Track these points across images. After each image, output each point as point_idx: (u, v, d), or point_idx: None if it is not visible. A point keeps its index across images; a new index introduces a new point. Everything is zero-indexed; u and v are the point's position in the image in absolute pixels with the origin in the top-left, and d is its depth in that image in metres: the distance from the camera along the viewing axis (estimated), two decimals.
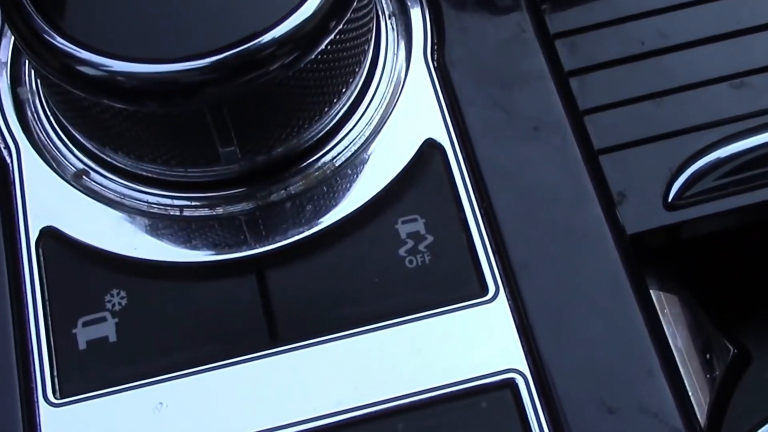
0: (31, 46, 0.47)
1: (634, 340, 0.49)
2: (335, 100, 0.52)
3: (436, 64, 0.55)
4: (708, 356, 0.55)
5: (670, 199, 0.53)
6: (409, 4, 0.57)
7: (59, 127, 0.55)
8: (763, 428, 0.54)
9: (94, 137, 0.53)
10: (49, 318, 0.51)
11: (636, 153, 0.54)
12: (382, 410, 0.48)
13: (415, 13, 0.56)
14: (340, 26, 0.48)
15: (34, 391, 0.49)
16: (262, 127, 0.51)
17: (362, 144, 0.54)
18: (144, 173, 0.53)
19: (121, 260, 0.52)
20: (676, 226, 0.53)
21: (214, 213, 0.53)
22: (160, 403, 0.49)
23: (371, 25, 0.54)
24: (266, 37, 0.46)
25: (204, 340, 0.50)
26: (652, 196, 0.53)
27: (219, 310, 0.50)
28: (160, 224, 0.53)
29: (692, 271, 0.57)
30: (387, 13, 0.56)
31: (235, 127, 0.50)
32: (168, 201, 0.53)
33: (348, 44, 0.51)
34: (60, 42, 0.47)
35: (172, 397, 0.49)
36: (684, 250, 0.55)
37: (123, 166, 0.54)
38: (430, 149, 0.53)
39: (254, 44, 0.46)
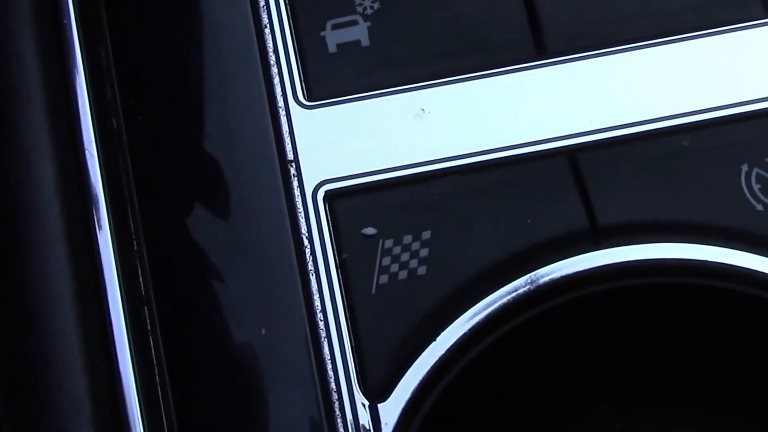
0: None
1: None
2: None
3: None
4: None
5: None
6: None
7: None
8: None
9: None
10: (292, 20, 0.47)
11: None
12: (665, 127, 0.44)
13: None
14: None
15: (276, 94, 0.45)
16: None
17: None
18: None
19: None
20: None
21: None
22: (422, 110, 0.45)
23: None
24: None
25: (465, 48, 0.46)
26: None
27: (481, 18, 0.46)
28: None
29: None
30: None
31: None
32: None
33: None
34: None
35: (435, 105, 0.45)
36: None
37: None
38: None
39: None
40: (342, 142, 0.45)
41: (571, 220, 0.43)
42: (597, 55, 0.46)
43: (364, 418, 0.40)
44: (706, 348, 0.44)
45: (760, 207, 0.43)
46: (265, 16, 0.47)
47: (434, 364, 0.40)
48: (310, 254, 0.43)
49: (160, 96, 0.46)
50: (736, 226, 0.42)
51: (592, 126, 0.45)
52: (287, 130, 0.45)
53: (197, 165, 0.45)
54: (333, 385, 0.41)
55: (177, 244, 0.43)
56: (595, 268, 0.41)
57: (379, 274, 0.42)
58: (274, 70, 0.46)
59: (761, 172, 0.43)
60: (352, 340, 0.41)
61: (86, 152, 0.44)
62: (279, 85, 0.46)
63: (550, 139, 0.45)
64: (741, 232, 0.42)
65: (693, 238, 0.42)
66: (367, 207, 0.44)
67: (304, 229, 0.43)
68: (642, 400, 0.45)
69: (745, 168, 0.44)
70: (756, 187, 0.43)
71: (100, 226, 0.43)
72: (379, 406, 0.40)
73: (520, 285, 0.41)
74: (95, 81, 0.45)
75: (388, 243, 0.43)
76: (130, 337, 0.41)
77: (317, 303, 0.42)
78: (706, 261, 0.42)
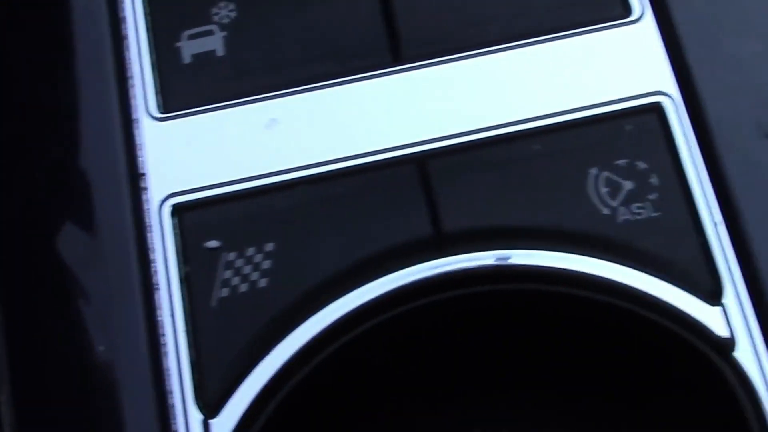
0: None
1: None
2: None
3: None
4: None
5: None
6: None
7: None
8: None
9: None
10: (150, 31, 0.47)
11: None
12: (517, 131, 0.44)
13: None
14: None
15: (133, 106, 0.45)
16: None
17: None
18: None
19: None
20: None
21: None
22: (273, 120, 0.45)
23: None
24: None
25: (320, 56, 0.46)
26: None
27: (337, 25, 0.46)
28: None
29: None
30: None
31: None
32: None
33: None
34: None
35: (287, 114, 0.45)
36: None
37: None
38: None
39: None
40: (193, 154, 0.45)
41: (415, 228, 0.42)
42: (451, 60, 0.45)
43: None
44: (558, 352, 0.44)
45: (606, 210, 0.42)
46: (124, 27, 0.47)
47: (269, 378, 0.40)
48: (155, 269, 0.42)
49: (11, 109, 0.46)
50: (582, 230, 0.42)
51: (444, 132, 0.44)
52: (140, 144, 0.45)
53: (47, 180, 0.44)
54: (171, 402, 0.40)
55: (24, 260, 0.43)
56: (433, 276, 0.41)
57: (221, 287, 0.42)
58: (131, 82, 0.46)
59: (610, 175, 0.43)
60: (192, 355, 0.41)
61: None
62: (135, 98, 0.46)
63: (401, 146, 0.44)
64: (586, 236, 0.42)
65: (539, 243, 0.42)
66: (213, 220, 0.43)
67: (150, 243, 0.43)
68: (499, 408, 0.45)
69: (594, 171, 0.43)
70: (603, 190, 0.43)
71: None
72: (211, 422, 0.40)
73: (359, 295, 0.41)
74: None
75: (231, 255, 0.42)
76: None
77: (160, 318, 0.42)
78: (551, 267, 0.41)
